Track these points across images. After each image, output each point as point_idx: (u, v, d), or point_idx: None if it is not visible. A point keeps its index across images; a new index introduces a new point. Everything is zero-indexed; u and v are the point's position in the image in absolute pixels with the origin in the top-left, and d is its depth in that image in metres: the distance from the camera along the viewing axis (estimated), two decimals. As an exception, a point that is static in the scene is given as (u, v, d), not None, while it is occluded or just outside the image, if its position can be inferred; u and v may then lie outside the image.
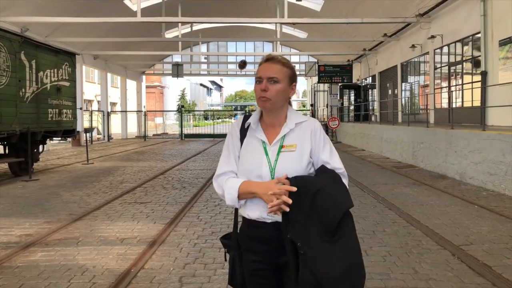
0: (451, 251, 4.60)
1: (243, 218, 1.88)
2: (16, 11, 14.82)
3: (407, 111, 17.80)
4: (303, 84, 46.99)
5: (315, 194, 1.70)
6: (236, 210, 1.95)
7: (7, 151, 10.65)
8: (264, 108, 1.85)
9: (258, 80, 1.84)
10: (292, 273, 1.71)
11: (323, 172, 1.82)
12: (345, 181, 1.84)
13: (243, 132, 1.92)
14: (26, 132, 9.93)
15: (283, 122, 1.87)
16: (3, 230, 5.56)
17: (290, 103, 1.95)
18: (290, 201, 1.67)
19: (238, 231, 1.92)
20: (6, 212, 6.67)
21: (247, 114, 1.99)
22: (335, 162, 1.85)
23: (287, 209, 1.68)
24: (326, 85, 27.02)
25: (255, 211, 1.81)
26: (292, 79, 1.89)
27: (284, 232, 1.72)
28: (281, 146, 1.82)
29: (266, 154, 1.82)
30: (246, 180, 1.81)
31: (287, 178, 1.73)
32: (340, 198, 1.74)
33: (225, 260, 2.00)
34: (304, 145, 1.83)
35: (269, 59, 1.87)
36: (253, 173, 1.81)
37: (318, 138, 1.85)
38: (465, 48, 13.41)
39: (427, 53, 16.09)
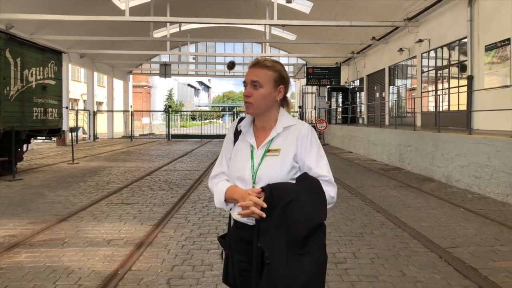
0: (438, 253, 4.64)
1: (234, 220, 1.90)
2: (0, 8, 14.55)
3: (394, 114, 17.96)
4: (291, 86, 47.08)
5: (287, 204, 1.67)
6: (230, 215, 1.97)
7: (-10, 150, 10.44)
8: (248, 113, 1.86)
9: (245, 86, 1.86)
10: (253, 281, 1.74)
11: (303, 180, 1.76)
12: (331, 189, 1.79)
13: (237, 135, 1.94)
14: (10, 131, 9.75)
15: (273, 126, 1.86)
16: (-15, 231, 5.43)
17: (287, 105, 1.93)
18: (261, 213, 1.66)
19: (230, 233, 1.93)
20: (-11, 212, 6.53)
21: (243, 117, 1.97)
22: (320, 169, 1.79)
23: (258, 218, 1.69)
24: (314, 87, 27.14)
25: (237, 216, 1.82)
26: (278, 81, 1.85)
27: (255, 240, 1.73)
28: (267, 150, 1.81)
29: (252, 158, 1.82)
30: (231, 186, 1.85)
31: (262, 187, 1.71)
32: (311, 210, 1.68)
33: (221, 258, 2.01)
34: (289, 150, 1.79)
35: (254, 64, 1.86)
36: (237, 176, 1.83)
37: (304, 142, 1.80)
38: (452, 52, 13.58)
39: (415, 57, 16.26)
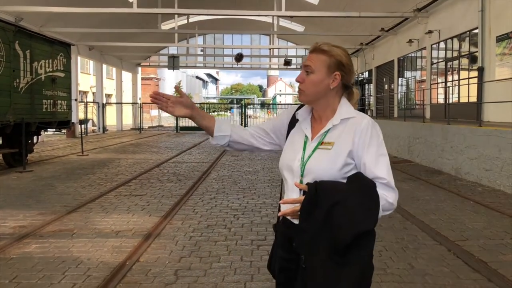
0: (447, 246, 4.61)
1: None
2: (10, 0, 14.61)
3: (403, 106, 17.81)
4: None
5: (333, 205, 1.51)
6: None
7: (1, 142, 10.55)
8: (300, 100, 1.73)
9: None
10: (286, 285, 1.66)
11: (355, 180, 1.58)
12: (389, 194, 1.58)
13: (293, 122, 1.81)
14: (21, 123, 9.83)
15: (330, 117, 1.69)
16: (-4, 222, 5.50)
17: (351, 95, 1.75)
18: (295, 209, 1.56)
19: (278, 225, 1.83)
20: (0, 203, 6.62)
21: (302, 104, 1.83)
22: (379, 170, 1.59)
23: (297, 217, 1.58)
24: (323, 79, 26.94)
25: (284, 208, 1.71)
26: (333, 68, 1.66)
27: (292, 240, 1.62)
28: (320, 143, 1.66)
29: (304, 149, 1.69)
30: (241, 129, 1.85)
31: (307, 183, 1.58)
32: (358, 216, 1.50)
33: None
34: (343, 145, 1.62)
35: (311, 48, 1.71)
36: (286, 165, 1.71)
37: (363, 138, 1.61)
38: (462, 43, 13.39)
39: (424, 48, 16.06)
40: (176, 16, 23.00)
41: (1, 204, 6.52)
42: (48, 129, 12.88)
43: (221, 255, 4.31)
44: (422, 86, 16.76)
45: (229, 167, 10.92)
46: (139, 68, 34.80)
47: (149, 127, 31.78)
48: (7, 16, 14.06)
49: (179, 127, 27.89)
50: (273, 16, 21.76)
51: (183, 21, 25.90)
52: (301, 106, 1.82)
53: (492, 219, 5.75)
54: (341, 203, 1.50)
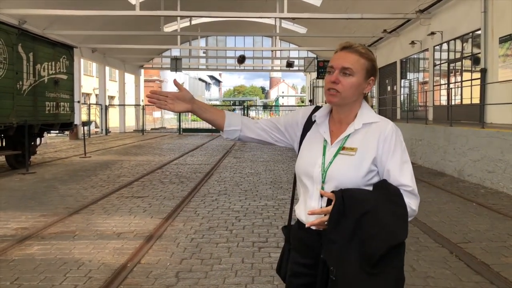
0: (449, 248, 4.59)
1: (296, 218, 1.74)
2: (13, 3, 14.67)
3: (406, 108, 17.77)
4: (302, 79, 47.05)
5: (362, 215, 1.46)
6: (292, 204, 1.83)
7: (4, 143, 10.59)
8: (331, 102, 1.63)
9: (330, 71, 1.62)
10: None
11: (382, 188, 1.53)
12: (413, 202, 1.54)
13: (309, 124, 1.75)
14: (23, 124, 9.87)
15: (351, 120, 1.64)
16: (-1, 223, 5.52)
17: (366, 99, 1.71)
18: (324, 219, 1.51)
19: (291, 229, 1.77)
20: (2, 205, 6.63)
21: (319, 106, 1.78)
22: (403, 177, 1.54)
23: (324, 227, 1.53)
24: (325, 81, 26.96)
25: (303, 215, 1.67)
26: (370, 72, 1.63)
27: (322, 250, 1.55)
28: (341, 148, 1.60)
29: (324, 154, 1.63)
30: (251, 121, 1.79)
31: (333, 191, 1.53)
32: (392, 226, 1.46)
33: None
34: (367, 151, 1.57)
35: (345, 47, 1.63)
36: (305, 172, 1.65)
37: (387, 144, 1.56)
38: (465, 45, 13.36)
39: (427, 49, 16.03)
40: (178, 18, 23.04)
41: (4, 206, 6.54)
42: (51, 131, 12.90)
43: (222, 257, 4.30)
44: (425, 87, 16.72)
45: (231, 169, 10.92)
46: (142, 70, 34.91)
47: (151, 129, 31.83)
48: (11, 19, 14.13)
49: (181, 129, 27.92)
50: (275, 18, 21.78)
51: (185, 23, 25.96)
52: (316, 108, 1.76)
53: (494, 221, 5.72)
54: (372, 213, 1.46)
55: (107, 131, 26.21)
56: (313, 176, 1.62)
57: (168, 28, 25.68)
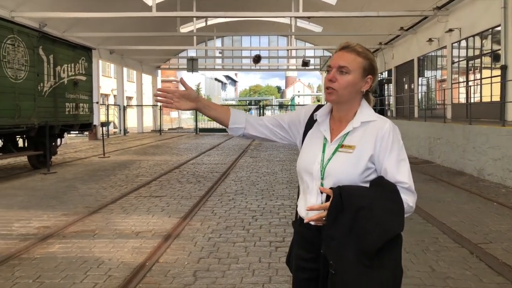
0: (469, 249, 4.52)
1: (298, 214, 1.80)
2: (34, 7, 15.02)
3: (423, 106, 17.53)
4: (317, 78, 46.86)
5: (358, 210, 1.52)
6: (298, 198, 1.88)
7: (26, 144, 10.84)
8: (329, 100, 1.70)
9: (328, 70, 1.69)
10: (304, 283, 1.69)
11: (379, 185, 1.59)
12: (410, 198, 1.59)
13: (311, 122, 1.80)
14: (45, 125, 10.08)
15: (351, 119, 1.69)
16: (21, 222, 5.65)
17: (368, 99, 1.75)
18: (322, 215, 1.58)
19: (294, 224, 1.84)
20: (25, 204, 6.79)
21: (321, 104, 1.83)
22: (400, 174, 1.59)
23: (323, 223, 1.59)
24: (341, 79, 26.74)
25: (303, 210, 1.73)
26: (368, 71, 1.68)
27: (312, 241, 1.65)
28: (340, 145, 1.66)
29: (323, 151, 1.68)
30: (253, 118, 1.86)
31: (331, 188, 1.58)
32: (387, 221, 1.51)
33: None
34: (365, 149, 1.61)
35: (344, 47, 1.69)
36: (305, 169, 1.71)
37: (385, 142, 1.61)
38: (484, 41, 13.11)
39: (445, 47, 15.79)
40: (194, 19, 23.20)
41: (26, 205, 6.70)
42: (71, 132, 13.14)
43: (240, 257, 4.33)
44: (443, 85, 16.47)
45: (247, 168, 10.95)
46: (159, 71, 35.25)
47: (169, 129, 32.12)
48: (32, 22, 14.45)
49: (198, 129, 28.10)
50: (290, 17, 21.75)
51: (201, 23, 26.12)
52: (318, 106, 1.81)
53: (516, 221, 5.61)
54: (367, 208, 1.51)
55: (125, 131, 26.55)
56: (312, 173, 1.67)
57: (184, 29, 25.85)
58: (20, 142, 11.00)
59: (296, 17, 20.63)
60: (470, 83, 14.11)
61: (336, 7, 20.22)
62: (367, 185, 1.61)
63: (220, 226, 5.46)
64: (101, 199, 7.09)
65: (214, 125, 33.06)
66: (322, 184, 1.64)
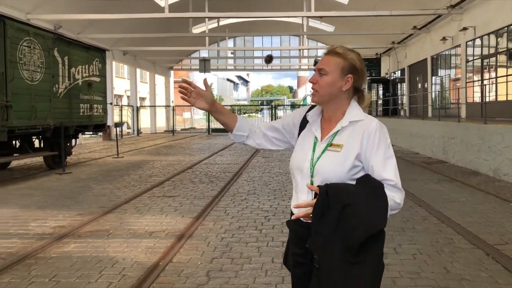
0: (485, 250, 4.46)
1: (292, 212, 1.87)
2: (49, 9, 15.24)
3: (437, 106, 17.34)
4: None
5: (344, 207, 1.58)
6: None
7: (42, 145, 11.02)
8: (313, 101, 1.82)
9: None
10: (302, 279, 1.75)
11: (364, 182, 1.65)
12: (397, 195, 1.64)
13: (304, 123, 1.87)
14: (60, 126, 10.22)
15: (339, 118, 1.76)
16: (38, 222, 5.75)
17: (362, 98, 1.82)
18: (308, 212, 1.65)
19: (288, 222, 1.89)
20: (41, 204, 6.89)
21: (314, 105, 1.90)
22: (386, 172, 1.64)
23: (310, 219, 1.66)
24: (354, 79, 26.60)
25: (294, 208, 1.81)
26: (347, 70, 1.73)
27: (304, 238, 1.70)
28: (329, 144, 1.73)
29: (314, 150, 1.76)
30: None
31: (318, 185, 1.65)
32: (370, 216, 1.58)
33: None
34: (352, 147, 1.67)
35: (326, 51, 1.79)
36: (297, 166, 1.79)
37: (371, 141, 1.66)
38: (500, 39, 12.92)
39: (459, 45, 15.60)
40: (206, 19, 23.30)
41: (42, 205, 6.81)
42: (85, 132, 13.31)
43: (252, 257, 4.34)
44: (457, 84, 16.27)
45: (259, 168, 10.96)
46: (172, 72, 35.45)
47: (181, 129, 32.30)
48: (47, 24, 14.66)
49: (210, 129, 28.20)
50: (302, 17, 21.69)
51: (213, 24, 26.21)
52: (311, 107, 1.88)
53: (533, 222, 5.52)
54: (353, 205, 1.58)
55: (139, 132, 26.77)
56: (303, 171, 1.75)
57: (197, 30, 25.97)
58: (36, 143, 11.18)
59: (308, 17, 20.58)
60: (485, 82, 13.92)
61: (348, 6, 20.11)
62: (355, 182, 1.67)
63: (232, 226, 5.48)
64: (115, 199, 7.17)
65: (226, 125, 33.04)
66: (311, 182, 1.71)
